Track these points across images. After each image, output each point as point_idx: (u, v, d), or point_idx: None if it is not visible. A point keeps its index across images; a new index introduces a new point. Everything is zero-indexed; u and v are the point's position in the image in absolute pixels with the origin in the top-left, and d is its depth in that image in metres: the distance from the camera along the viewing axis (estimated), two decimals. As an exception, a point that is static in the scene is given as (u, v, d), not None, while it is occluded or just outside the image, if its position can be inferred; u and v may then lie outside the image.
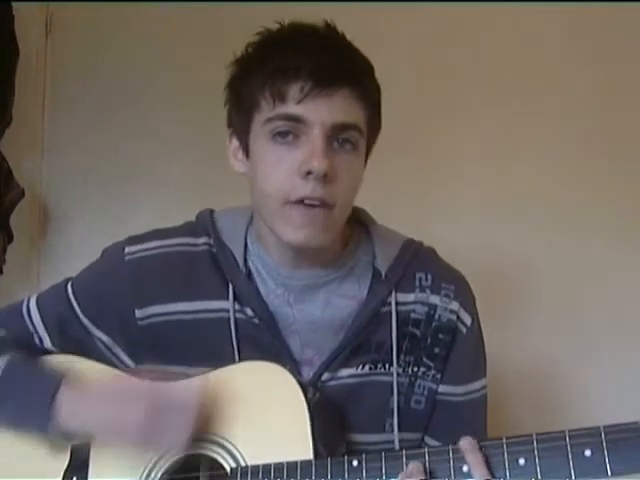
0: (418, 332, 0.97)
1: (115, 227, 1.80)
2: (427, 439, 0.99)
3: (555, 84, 1.63)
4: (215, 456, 0.88)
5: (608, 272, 1.59)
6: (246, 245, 0.98)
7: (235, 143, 0.95)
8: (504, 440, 0.74)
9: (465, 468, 0.75)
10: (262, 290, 0.96)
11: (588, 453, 0.70)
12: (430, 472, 0.76)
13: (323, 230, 0.89)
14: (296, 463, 0.82)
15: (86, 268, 1.03)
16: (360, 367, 0.96)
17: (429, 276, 0.98)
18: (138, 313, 0.96)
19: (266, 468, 0.83)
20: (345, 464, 0.80)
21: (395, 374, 0.95)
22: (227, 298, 0.96)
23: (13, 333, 0.98)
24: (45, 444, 0.87)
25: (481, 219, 1.65)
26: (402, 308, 0.97)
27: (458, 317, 0.98)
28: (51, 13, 1.94)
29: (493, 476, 0.73)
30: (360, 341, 0.95)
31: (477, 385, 1.01)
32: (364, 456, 0.80)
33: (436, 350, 0.97)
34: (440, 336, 0.97)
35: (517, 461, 0.73)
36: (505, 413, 1.50)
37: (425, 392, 0.97)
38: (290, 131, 0.87)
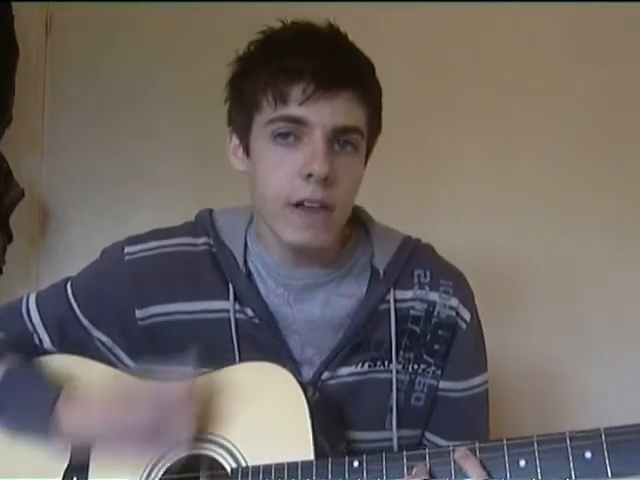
0: (417, 329, 0.97)
1: (115, 227, 1.80)
2: (428, 435, 1.00)
3: (555, 84, 1.63)
4: (215, 456, 0.88)
5: (608, 272, 1.59)
6: (246, 245, 0.98)
7: (235, 141, 0.95)
8: (504, 442, 0.75)
9: (465, 470, 0.76)
10: (262, 290, 0.96)
11: (588, 455, 0.70)
12: (431, 474, 0.77)
13: (324, 232, 0.89)
14: (297, 464, 0.82)
15: (85, 268, 1.03)
16: (360, 365, 0.96)
17: (428, 273, 0.98)
18: (139, 313, 0.96)
19: (267, 468, 0.83)
20: (346, 465, 0.80)
21: (394, 371, 0.96)
22: (227, 298, 0.96)
23: (12, 334, 0.98)
24: (46, 450, 0.87)
25: (481, 219, 1.65)
26: (401, 305, 0.97)
27: (457, 313, 0.98)
28: (51, 13, 1.95)
29: (491, 477, 0.74)
30: (359, 339, 0.96)
31: (478, 380, 1.01)
32: (365, 457, 0.80)
33: (436, 346, 0.97)
34: (440, 332, 0.97)
35: (517, 463, 0.73)
36: (505, 413, 1.50)
37: (425, 389, 0.98)
38: (291, 132, 0.87)
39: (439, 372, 0.98)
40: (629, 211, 1.59)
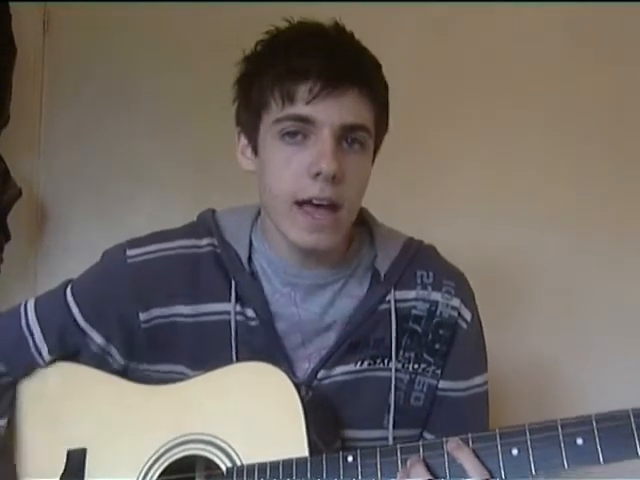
0: (419, 328, 0.97)
1: (112, 227, 1.80)
2: (427, 435, 0.99)
3: (555, 84, 1.63)
4: (211, 456, 0.88)
5: (608, 272, 1.59)
6: (251, 244, 0.98)
7: (244, 141, 0.95)
8: (497, 431, 0.75)
9: (459, 460, 0.76)
10: (266, 289, 0.96)
11: (580, 442, 0.70)
12: (425, 465, 0.77)
13: (331, 233, 0.89)
14: (291, 460, 0.82)
15: (87, 271, 1.02)
16: (359, 363, 0.96)
17: (430, 273, 0.99)
18: (142, 316, 0.96)
19: (262, 467, 0.83)
20: (340, 460, 0.80)
21: (394, 369, 0.96)
22: (229, 300, 0.95)
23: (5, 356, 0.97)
24: None
25: (481, 219, 1.65)
26: (402, 305, 0.97)
27: (459, 313, 0.98)
28: (49, 13, 1.94)
29: (485, 467, 0.74)
30: (358, 338, 0.96)
31: (478, 380, 1.01)
32: (358, 451, 0.80)
33: (437, 346, 0.97)
34: (441, 332, 0.97)
35: (510, 452, 0.73)
36: (505, 413, 1.50)
37: (425, 389, 0.98)
38: (299, 131, 0.87)
39: (439, 372, 0.98)
40: (629, 211, 1.59)
